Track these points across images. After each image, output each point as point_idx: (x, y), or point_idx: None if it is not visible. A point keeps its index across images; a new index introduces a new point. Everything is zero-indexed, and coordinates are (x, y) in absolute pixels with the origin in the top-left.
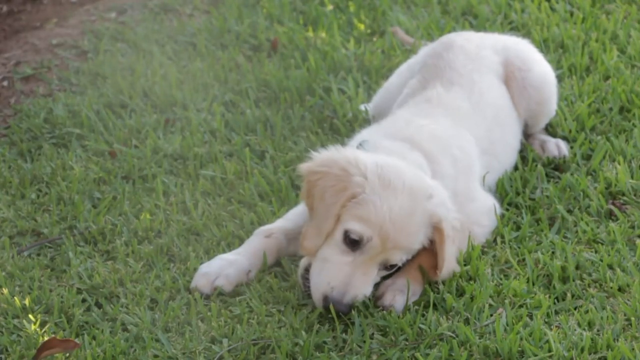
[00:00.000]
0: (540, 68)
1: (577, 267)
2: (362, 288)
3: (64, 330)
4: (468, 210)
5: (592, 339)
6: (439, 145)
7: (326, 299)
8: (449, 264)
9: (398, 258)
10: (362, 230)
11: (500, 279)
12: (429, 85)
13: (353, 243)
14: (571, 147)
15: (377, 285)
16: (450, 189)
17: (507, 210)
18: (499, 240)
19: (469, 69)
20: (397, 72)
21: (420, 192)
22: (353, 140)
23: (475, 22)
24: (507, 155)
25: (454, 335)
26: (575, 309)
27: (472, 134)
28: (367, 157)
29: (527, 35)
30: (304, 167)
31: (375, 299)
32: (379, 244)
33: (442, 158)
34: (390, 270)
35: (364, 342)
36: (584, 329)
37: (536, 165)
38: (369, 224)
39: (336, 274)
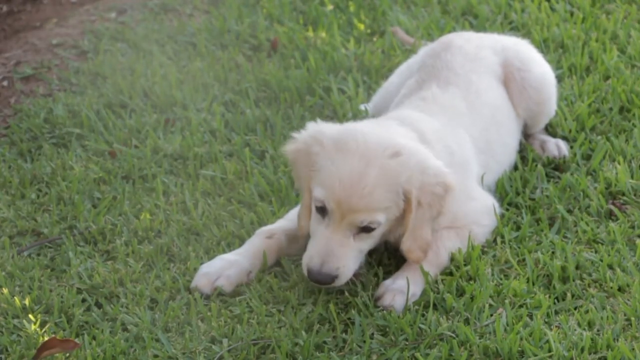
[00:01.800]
0: (540, 68)
1: (577, 267)
2: (342, 258)
3: (64, 330)
4: (467, 209)
5: (592, 339)
6: (432, 133)
7: (309, 272)
8: (415, 232)
9: (361, 219)
10: (321, 195)
11: (500, 279)
12: (425, 86)
13: (321, 211)
14: (571, 147)
15: (377, 285)
16: None
17: (507, 210)
18: (499, 240)
19: (466, 69)
20: (397, 72)
21: (378, 151)
22: None
23: (475, 22)
24: (505, 155)
25: (454, 335)
26: (575, 309)
27: (468, 133)
28: (332, 127)
29: (527, 35)
30: (286, 150)
31: (375, 299)
32: (335, 208)
33: (436, 143)
34: (370, 233)
35: (364, 342)
36: (584, 329)
37: (536, 165)
38: (325, 188)
39: (315, 245)
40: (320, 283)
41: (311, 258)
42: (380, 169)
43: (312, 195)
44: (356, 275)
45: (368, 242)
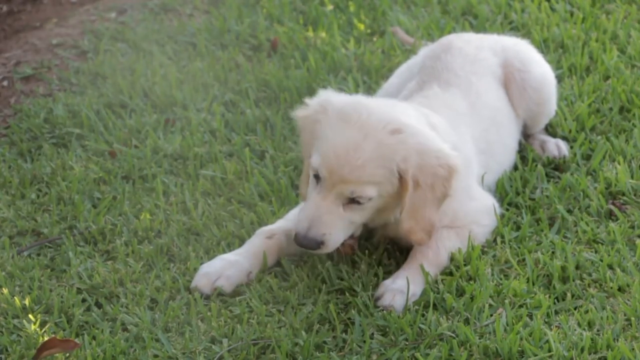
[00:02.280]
0: (540, 69)
1: (577, 267)
2: (330, 226)
3: (64, 330)
4: (467, 209)
5: (592, 339)
6: (441, 125)
7: (296, 236)
8: (417, 213)
9: (350, 190)
10: (316, 162)
11: (500, 279)
12: (425, 87)
13: (316, 178)
14: (571, 147)
15: (377, 285)
16: None
17: (507, 210)
18: (499, 240)
19: (466, 70)
20: (397, 73)
21: (379, 125)
22: None
23: (475, 22)
24: (505, 156)
25: (454, 335)
26: (575, 309)
27: (469, 133)
28: (340, 97)
29: (527, 35)
30: (295, 116)
31: (375, 299)
32: (327, 176)
33: (444, 136)
34: (361, 205)
35: (364, 342)
36: (584, 329)
37: (536, 165)
38: (320, 156)
39: (305, 210)
40: (306, 247)
41: (299, 222)
42: (377, 144)
43: (310, 163)
44: (347, 247)
45: (359, 214)
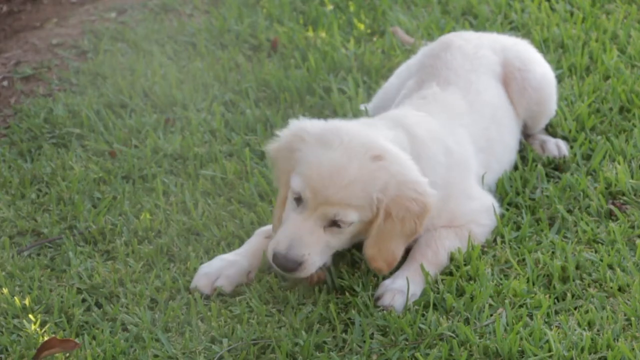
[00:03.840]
0: (540, 68)
1: (577, 267)
2: (310, 246)
3: (64, 330)
4: (465, 209)
5: (592, 339)
6: (429, 132)
7: (275, 257)
8: (382, 243)
9: (334, 212)
10: (298, 185)
11: (500, 279)
12: (425, 85)
13: (298, 200)
14: (571, 147)
15: (377, 285)
16: (440, 177)
17: (507, 210)
18: (499, 240)
19: (466, 69)
20: (396, 73)
21: (361, 150)
22: None
23: (475, 22)
24: (506, 154)
25: (454, 335)
26: (575, 309)
27: (469, 131)
28: (315, 124)
29: (527, 35)
30: (268, 149)
31: (375, 299)
32: (310, 197)
33: (432, 143)
34: (340, 229)
35: (364, 342)
36: (584, 329)
37: (536, 165)
38: (303, 178)
39: (284, 230)
40: (284, 268)
41: (278, 242)
42: (360, 168)
43: (290, 187)
44: (317, 275)
45: (338, 239)
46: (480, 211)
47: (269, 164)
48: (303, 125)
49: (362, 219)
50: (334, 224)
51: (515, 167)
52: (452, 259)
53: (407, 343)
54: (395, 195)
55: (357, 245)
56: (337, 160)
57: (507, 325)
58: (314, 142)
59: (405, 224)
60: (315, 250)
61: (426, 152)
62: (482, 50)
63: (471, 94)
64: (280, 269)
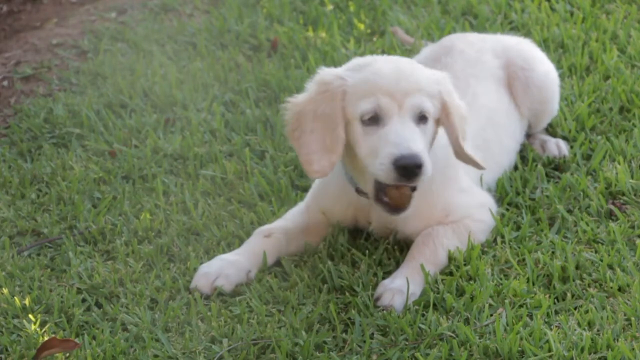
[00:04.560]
0: (543, 67)
1: (577, 267)
2: (421, 145)
3: (64, 330)
4: (459, 201)
5: (592, 339)
6: None
7: (397, 163)
8: (462, 138)
9: (418, 101)
10: (368, 103)
11: (500, 279)
12: None
13: (374, 120)
14: (571, 147)
15: (377, 285)
16: (441, 159)
17: (507, 210)
18: (499, 240)
19: (466, 73)
20: None
21: (407, 61)
22: None
23: (475, 22)
24: (504, 156)
25: (454, 335)
26: (575, 309)
27: None
28: (337, 69)
29: (527, 35)
30: (289, 102)
31: (375, 299)
32: (390, 101)
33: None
34: (426, 126)
35: (364, 342)
36: (584, 329)
37: (536, 165)
38: (370, 94)
39: (392, 136)
40: (409, 172)
41: (397, 144)
42: (421, 68)
43: (358, 113)
44: (406, 191)
45: (426, 136)
46: (474, 206)
47: (286, 131)
48: (328, 71)
49: (434, 114)
50: (420, 120)
51: (515, 167)
52: (451, 258)
53: (407, 343)
54: (449, 97)
55: (357, 246)
56: (391, 62)
57: (507, 325)
58: (357, 70)
59: (461, 123)
60: (425, 151)
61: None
62: (484, 56)
63: (468, 97)
64: (404, 175)
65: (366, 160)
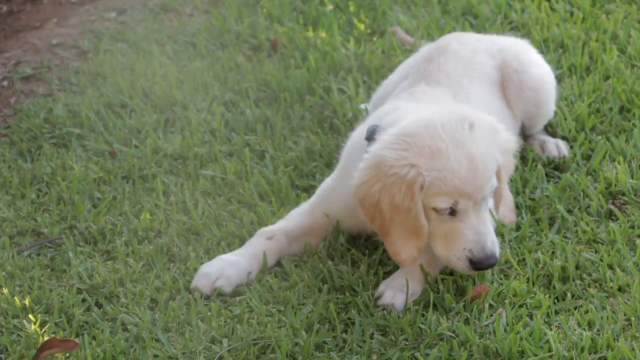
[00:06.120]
0: (538, 69)
1: (577, 267)
2: (491, 232)
3: (64, 330)
4: None
5: (592, 339)
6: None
7: (472, 262)
8: (504, 196)
9: (488, 191)
10: (446, 204)
11: (500, 279)
12: (414, 85)
13: (451, 213)
14: (571, 147)
15: (377, 285)
16: None
17: None
18: (499, 240)
19: (459, 73)
20: (397, 71)
21: (459, 128)
22: (350, 139)
23: (475, 22)
24: None
25: (454, 335)
26: (575, 309)
27: None
28: (388, 143)
29: (527, 35)
30: (355, 194)
31: (375, 299)
32: (464, 200)
33: None
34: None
35: (364, 342)
36: (584, 329)
37: (536, 165)
38: (447, 195)
39: (464, 237)
40: (490, 267)
41: (474, 243)
42: (473, 143)
43: (433, 206)
44: None
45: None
46: None
47: (364, 216)
48: (391, 154)
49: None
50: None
51: (515, 167)
52: None
53: (407, 343)
54: (500, 148)
55: (357, 246)
56: (459, 153)
57: (507, 325)
58: (427, 158)
59: (508, 168)
60: (492, 230)
61: None
62: (478, 56)
63: (460, 96)
64: (479, 269)
65: (436, 241)
